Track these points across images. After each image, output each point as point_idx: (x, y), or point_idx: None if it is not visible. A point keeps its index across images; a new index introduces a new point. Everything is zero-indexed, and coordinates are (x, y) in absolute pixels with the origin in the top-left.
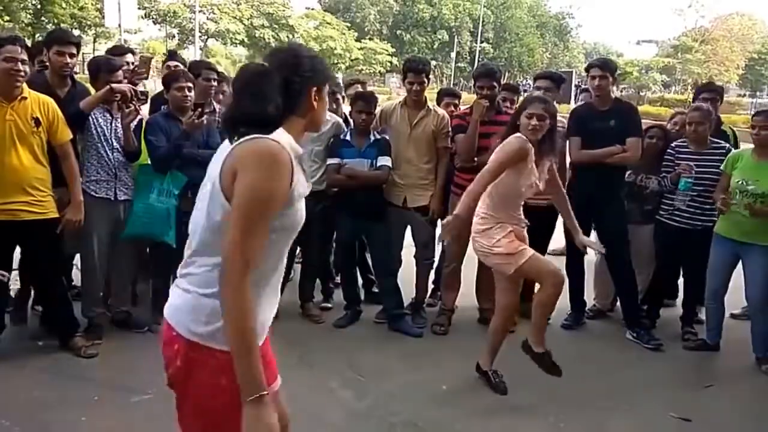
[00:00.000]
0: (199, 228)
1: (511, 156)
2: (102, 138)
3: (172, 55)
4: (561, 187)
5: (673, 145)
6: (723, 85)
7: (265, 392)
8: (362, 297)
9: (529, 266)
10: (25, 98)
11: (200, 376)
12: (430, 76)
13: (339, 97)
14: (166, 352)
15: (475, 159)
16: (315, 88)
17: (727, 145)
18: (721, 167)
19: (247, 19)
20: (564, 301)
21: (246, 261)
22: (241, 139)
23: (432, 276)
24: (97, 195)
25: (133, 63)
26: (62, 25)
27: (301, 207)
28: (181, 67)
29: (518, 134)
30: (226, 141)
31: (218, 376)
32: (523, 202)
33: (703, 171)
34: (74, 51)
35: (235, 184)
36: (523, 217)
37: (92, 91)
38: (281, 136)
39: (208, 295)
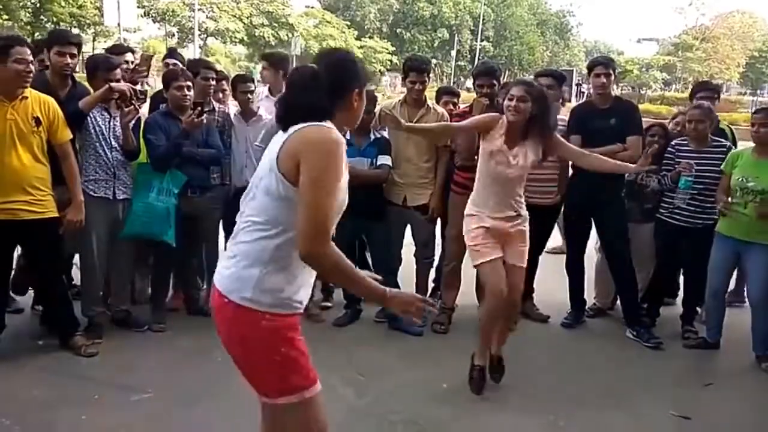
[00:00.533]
0: (259, 194)
1: (478, 118)
2: (100, 137)
3: (171, 52)
4: (581, 152)
5: (673, 143)
6: (723, 83)
7: (385, 291)
8: None
9: (480, 271)
10: (26, 97)
11: (254, 335)
12: (431, 75)
13: None
14: (219, 317)
15: (476, 157)
16: (357, 90)
17: (728, 143)
18: (722, 167)
19: (247, 18)
20: (564, 299)
21: (325, 230)
22: (298, 126)
23: (432, 275)
24: (95, 194)
25: (132, 62)
26: (61, 24)
27: (345, 188)
28: (180, 65)
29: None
30: (280, 132)
31: (272, 334)
32: (511, 192)
33: (703, 169)
34: (75, 51)
35: (301, 166)
36: (514, 212)
37: (90, 89)
38: (331, 125)
39: (254, 267)
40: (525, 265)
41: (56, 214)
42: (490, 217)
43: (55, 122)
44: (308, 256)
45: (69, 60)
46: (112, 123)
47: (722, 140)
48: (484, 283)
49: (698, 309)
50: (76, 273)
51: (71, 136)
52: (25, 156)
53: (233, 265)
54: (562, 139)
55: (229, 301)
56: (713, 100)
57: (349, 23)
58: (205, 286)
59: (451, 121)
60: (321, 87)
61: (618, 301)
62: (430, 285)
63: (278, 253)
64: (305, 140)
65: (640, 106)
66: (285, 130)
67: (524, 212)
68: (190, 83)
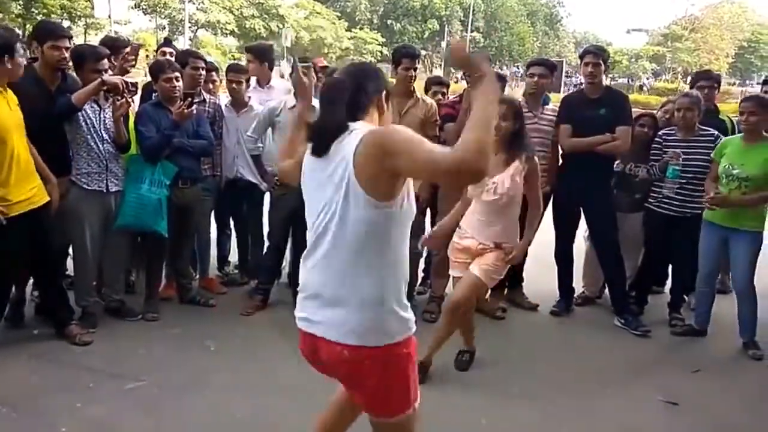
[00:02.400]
0: (344, 231)
1: None
2: (91, 130)
3: (167, 42)
4: (535, 199)
5: (661, 133)
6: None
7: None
8: None
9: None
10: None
11: (394, 366)
12: (421, 66)
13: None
14: (354, 369)
15: None
16: (382, 94)
17: (716, 132)
18: (712, 155)
19: (237, 10)
20: (553, 288)
21: (456, 168)
22: (359, 138)
23: (422, 264)
24: (89, 187)
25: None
26: (52, 16)
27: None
28: (176, 54)
29: None
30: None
31: (407, 360)
32: (494, 220)
33: (691, 158)
34: (69, 44)
35: (392, 160)
36: (493, 243)
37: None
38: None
39: (381, 304)
40: (482, 277)
41: (48, 198)
42: (466, 236)
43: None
44: (470, 178)
45: (65, 54)
46: (102, 115)
47: (710, 129)
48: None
49: (685, 297)
50: (69, 263)
51: None
52: (22, 143)
53: (353, 313)
54: (537, 171)
55: (370, 348)
56: (713, 89)
57: (339, 14)
58: (197, 276)
59: (440, 111)
60: (347, 94)
61: (606, 290)
62: (420, 274)
63: (390, 276)
64: (373, 143)
65: (630, 96)
66: (326, 149)
67: (501, 239)
68: (178, 74)
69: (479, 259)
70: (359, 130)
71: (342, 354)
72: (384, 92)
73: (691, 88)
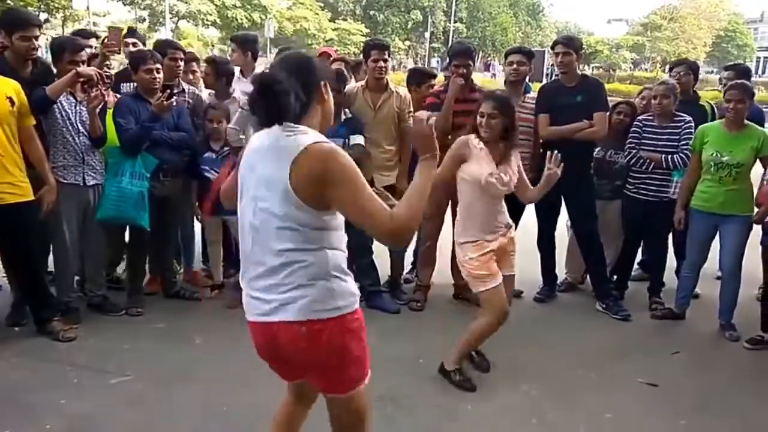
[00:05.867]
0: (275, 222)
1: (450, 156)
2: (67, 122)
3: (131, 32)
4: (527, 186)
5: (640, 118)
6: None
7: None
8: None
9: (486, 296)
10: None
11: (342, 337)
12: (405, 56)
13: None
14: (296, 346)
15: (449, 136)
16: (322, 84)
17: (690, 118)
18: (690, 144)
19: (219, 0)
20: (537, 275)
21: (391, 225)
22: (302, 146)
23: (409, 254)
24: (65, 181)
25: (96, 47)
26: (29, 8)
27: None
28: (140, 44)
29: (469, 135)
30: (263, 140)
31: (350, 333)
32: (499, 207)
33: (667, 144)
34: (38, 33)
35: (331, 188)
36: (503, 220)
37: (52, 68)
38: (317, 135)
39: (318, 280)
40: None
41: (33, 197)
42: (488, 240)
43: (23, 106)
44: (399, 244)
45: (35, 43)
46: (78, 108)
47: (685, 116)
48: (485, 305)
49: (664, 282)
50: (50, 260)
51: (34, 122)
52: (3, 136)
53: (293, 292)
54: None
55: (313, 321)
56: (687, 75)
57: (322, 5)
58: (181, 270)
59: (424, 102)
60: (290, 89)
61: (588, 276)
62: (407, 266)
63: (334, 259)
64: (320, 162)
65: (609, 86)
66: (268, 125)
67: (509, 219)
68: (159, 66)
69: (503, 257)
70: (303, 133)
71: (290, 331)
72: (322, 82)
73: (670, 75)
